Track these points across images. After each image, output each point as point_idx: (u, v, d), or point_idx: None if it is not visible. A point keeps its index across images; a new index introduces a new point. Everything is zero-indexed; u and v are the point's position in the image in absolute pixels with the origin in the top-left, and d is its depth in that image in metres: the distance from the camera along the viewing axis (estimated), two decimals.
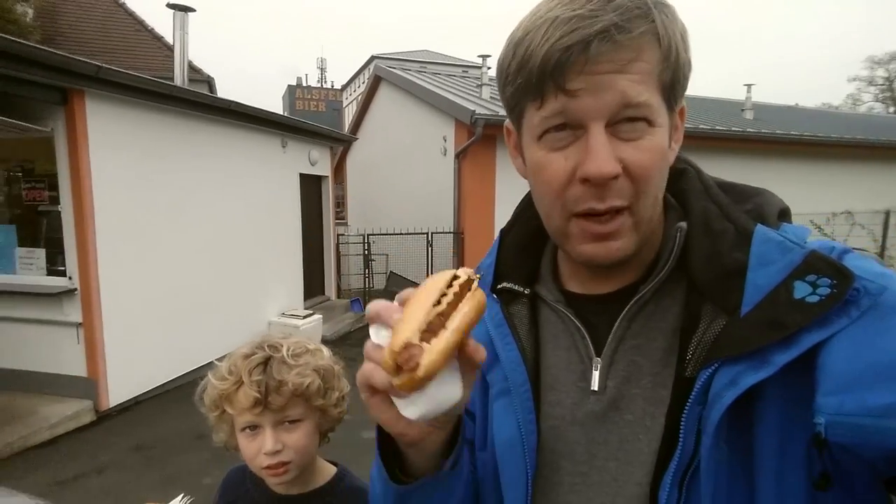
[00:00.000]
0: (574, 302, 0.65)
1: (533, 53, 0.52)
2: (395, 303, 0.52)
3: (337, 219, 11.82)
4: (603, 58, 0.50)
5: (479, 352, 0.51)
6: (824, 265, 0.49)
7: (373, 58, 29.42)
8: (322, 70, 40.14)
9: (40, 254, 4.95)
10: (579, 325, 0.63)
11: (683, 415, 0.52)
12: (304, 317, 7.31)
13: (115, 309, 4.92)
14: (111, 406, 4.91)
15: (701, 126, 9.44)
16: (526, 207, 0.72)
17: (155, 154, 5.39)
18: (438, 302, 0.48)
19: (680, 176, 0.64)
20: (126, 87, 4.89)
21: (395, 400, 0.51)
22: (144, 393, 5.32)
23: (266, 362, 1.01)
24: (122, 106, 4.99)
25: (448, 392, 0.51)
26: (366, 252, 9.70)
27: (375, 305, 0.52)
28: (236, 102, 6.30)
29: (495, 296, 0.70)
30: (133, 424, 4.75)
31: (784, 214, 0.61)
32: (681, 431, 0.52)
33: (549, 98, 0.53)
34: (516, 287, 0.69)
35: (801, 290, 0.49)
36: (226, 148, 6.43)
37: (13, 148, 5.01)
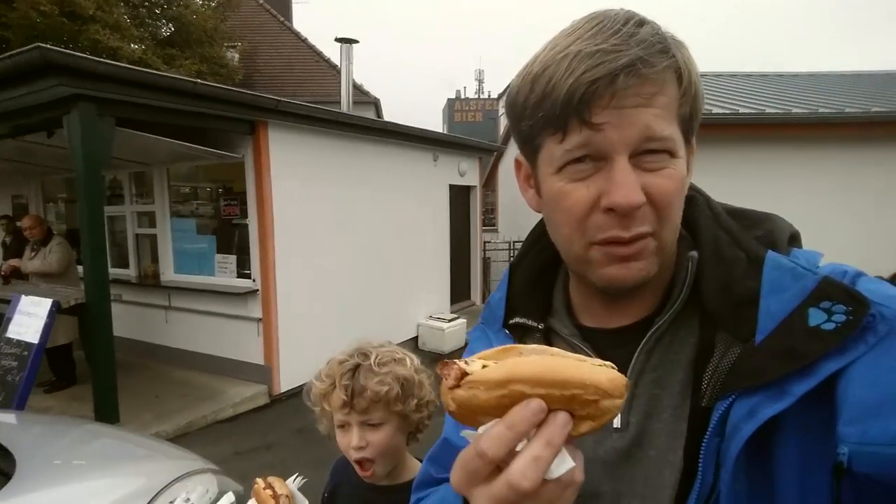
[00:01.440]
0: (589, 336, 0.64)
1: (556, 87, 0.52)
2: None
3: (487, 226, 12.12)
4: (629, 91, 0.50)
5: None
6: (838, 291, 0.48)
7: None
8: (480, 81, 41.51)
9: (232, 260, 5.91)
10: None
11: (702, 447, 0.51)
12: (450, 320, 7.66)
13: (287, 308, 5.68)
14: (281, 391, 5.65)
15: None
16: (535, 241, 0.73)
17: (322, 173, 6.12)
18: None
19: (689, 204, 0.62)
20: (299, 115, 5.65)
21: None
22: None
23: (355, 369, 1.15)
24: (296, 132, 5.75)
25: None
26: (511, 258, 9.79)
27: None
28: (392, 123, 6.87)
29: (507, 331, 0.70)
30: (297, 409, 5.39)
31: (794, 239, 0.60)
32: (700, 464, 0.51)
33: (572, 131, 0.53)
34: (530, 322, 0.69)
35: (815, 317, 0.48)
36: (383, 164, 7.03)
37: (215, 171, 6.08)
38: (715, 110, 7.28)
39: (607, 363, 0.44)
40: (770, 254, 0.55)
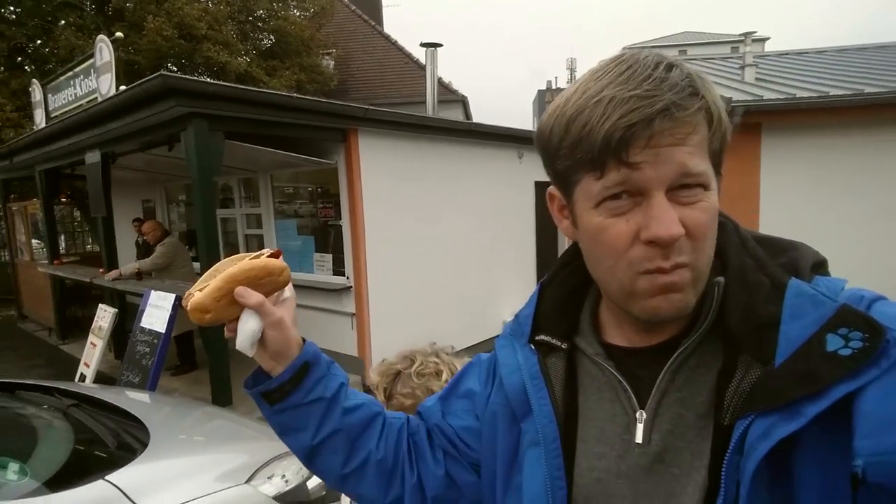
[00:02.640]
0: (614, 355, 0.67)
1: (592, 130, 0.54)
2: None
3: None
4: (665, 133, 0.53)
5: (248, 297, 0.73)
6: (855, 318, 0.50)
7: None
8: (571, 70, 40.17)
9: (328, 258, 6.31)
10: (620, 378, 0.64)
11: (724, 464, 0.53)
12: None
13: (377, 303, 5.97)
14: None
15: None
16: (567, 263, 0.76)
17: (409, 175, 6.34)
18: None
19: (719, 230, 0.63)
20: (386, 122, 5.91)
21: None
22: None
23: (397, 375, 1.28)
24: (384, 137, 6.02)
25: (246, 326, 0.73)
26: None
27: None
28: (476, 123, 6.97)
29: (533, 346, 0.73)
30: None
31: (820, 266, 0.61)
32: (722, 480, 0.53)
33: (610, 170, 0.55)
34: (554, 341, 0.72)
35: (833, 343, 0.50)
36: (468, 164, 7.15)
37: (313, 176, 6.53)
38: (834, 92, 6.49)
39: (264, 251, 0.79)
40: (793, 280, 0.57)
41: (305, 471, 2.47)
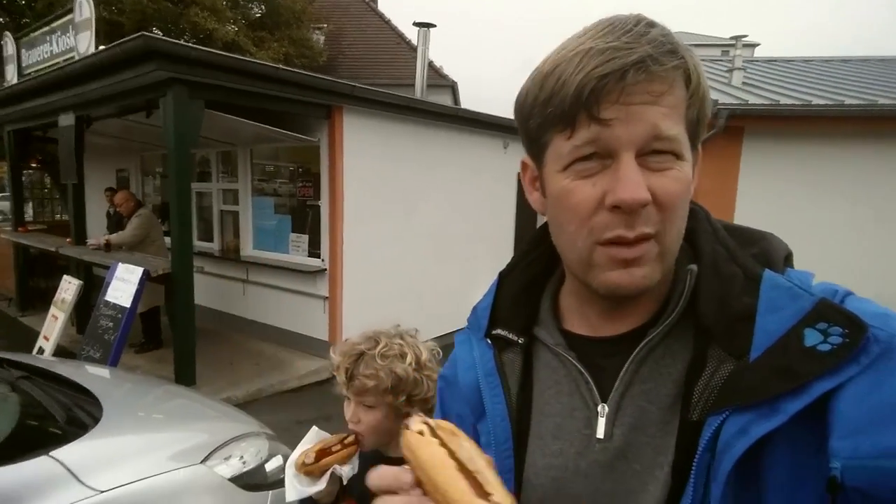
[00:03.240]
0: (576, 345, 0.64)
1: (566, 83, 0.52)
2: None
3: None
4: (638, 88, 0.51)
5: None
6: (835, 313, 0.49)
7: None
8: None
9: (305, 239, 6.20)
10: (582, 369, 0.61)
11: (694, 463, 0.51)
12: None
13: (351, 287, 5.90)
14: None
15: None
16: (528, 251, 0.73)
17: (393, 157, 6.25)
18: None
19: (690, 216, 0.61)
20: (373, 101, 5.79)
21: None
22: None
23: (360, 356, 1.24)
24: (370, 117, 5.91)
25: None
26: None
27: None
28: (462, 109, 6.89)
29: (489, 341, 0.69)
30: None
31: (788, 259, 0.60)
32: (690, 480, 0.51)
33: (580, 127, 0.53)
34: (510, 335, 0.68)
35: (811, 337, 0.48)
36: (453, 150, 7.08)
37: (294, 153, 6.38)
38: (816, 101, 6.71)
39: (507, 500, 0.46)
40: (767, 272, 0.55)
41: (265, 452, 2.42)
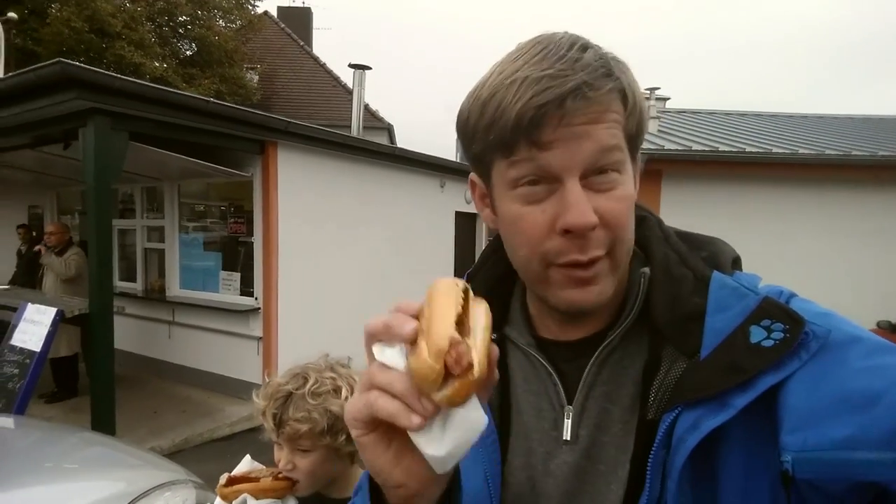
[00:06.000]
0: (545, 347, 0.65)
1: (505, 111, 0.53)
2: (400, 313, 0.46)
3: None
4: (577, 113, 0.52)
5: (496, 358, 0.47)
6: (777, 311, 0.51)
7: None
8: None
9: (237, 277, 5.98)
10: (551, 370, 0.63)
11: (649, 459, 0.52)
12: None
13: (287, 326, 5.70)
14: None
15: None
16: (492, 253, 0.73)
17: (329, 195, 6.22)
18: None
19: (641, 223, 0.64)
20: (308, 137, 5.79)
21: (414, 438, 0.44)
22: None
23: (287, 398, 1.13)
24: (305, 154, 5.88)
25: (475, 418, 0.42)
26: None
27: (379, 318, 0.46)
28: (399, 147, 7.02)
29: None
30: None
31: (736, 262, 0.62)
32: (647, 476, 0.52)
33: (521, 152, 0.54)
34: None
35: (756, 334, 0.50)
36: (390, 188, 7.13)
37: (225, 189, 6.21)
38: (722, 148, 7.52)
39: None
40: (716, 274, 0.58)
41: (192, 501, 2.25)
